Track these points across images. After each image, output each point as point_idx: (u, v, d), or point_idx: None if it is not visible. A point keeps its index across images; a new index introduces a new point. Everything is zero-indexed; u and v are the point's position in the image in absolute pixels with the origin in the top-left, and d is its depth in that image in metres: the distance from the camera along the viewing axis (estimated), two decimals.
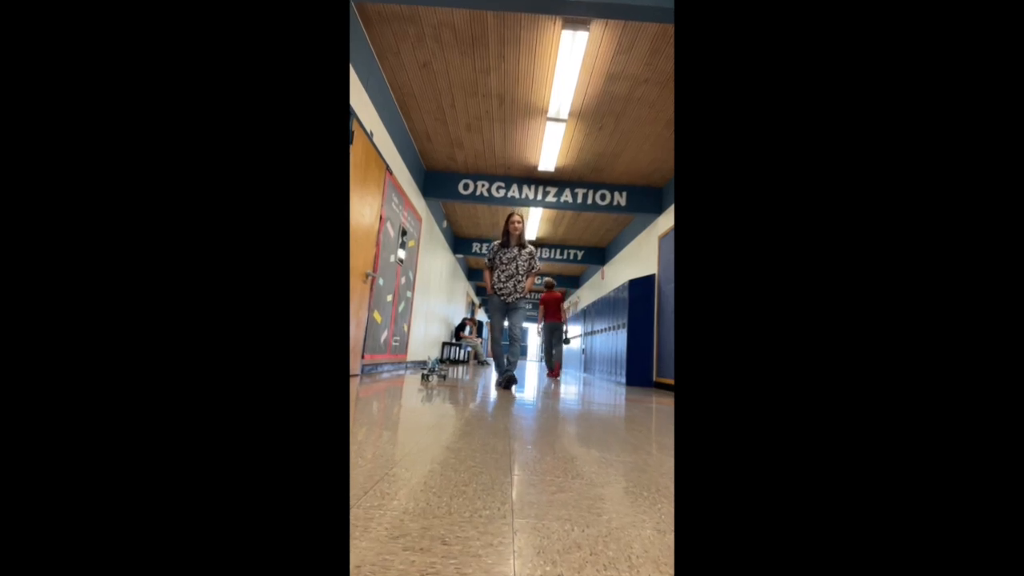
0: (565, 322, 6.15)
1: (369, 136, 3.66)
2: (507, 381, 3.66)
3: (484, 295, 16.19)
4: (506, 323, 3.89)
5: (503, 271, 3.79)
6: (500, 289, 3.78)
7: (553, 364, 6.02)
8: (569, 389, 4.23)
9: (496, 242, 3.88)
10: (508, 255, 3.77)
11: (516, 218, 3.78)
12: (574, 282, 11.91)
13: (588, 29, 3.15)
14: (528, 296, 3.70)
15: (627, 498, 0.93)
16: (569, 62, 3.50)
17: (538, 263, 3.84)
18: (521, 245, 3.81)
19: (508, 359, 3.79)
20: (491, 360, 14.82)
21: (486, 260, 3.89)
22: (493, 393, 3.20)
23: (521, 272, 3.78)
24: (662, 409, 2.95)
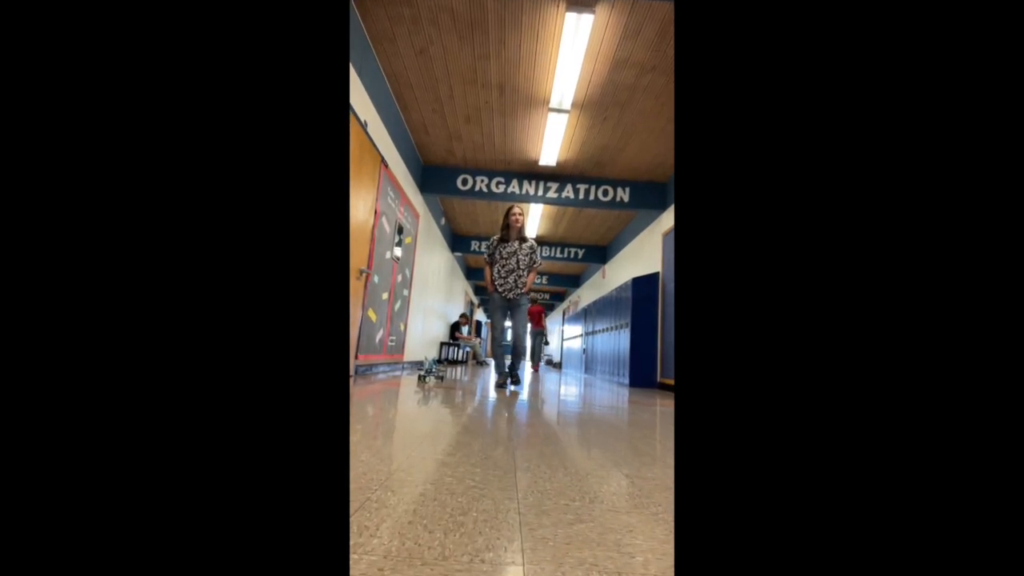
0: (545, 328, 8.84)
1: (363, 126, 3.49)
2: (507, 381, 3.55)
3: (485, 295, 15.98)
4: (508, 323, 3.73)
5: (503, 266, 3.63)
6: (500, 285, 3.63)
7: (536, 361, 8.32)
8: (570, 390, 4.07)
9: (495, 236, 3.69)
10: (508, 249, 3.62)
11: (516, 211, 3.61)
12: (574, 281, 11.75)
13: (593, 11, 2.99)
14: (530, 294, 3.59)
15: (660, 529, 0.77)
16: (573, 48, 3.34)
17: (539, 258, 3.67)
18: (522, 239, 3.64)
19: (512, 360, 3.62)
20: (491, 360, 14.59)
21: (485, 256, 3.71)
22: (492, 395, 3.03)
23: (522, 267, 3.62)
24: (671, 412, 2.79)
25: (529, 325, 7.79)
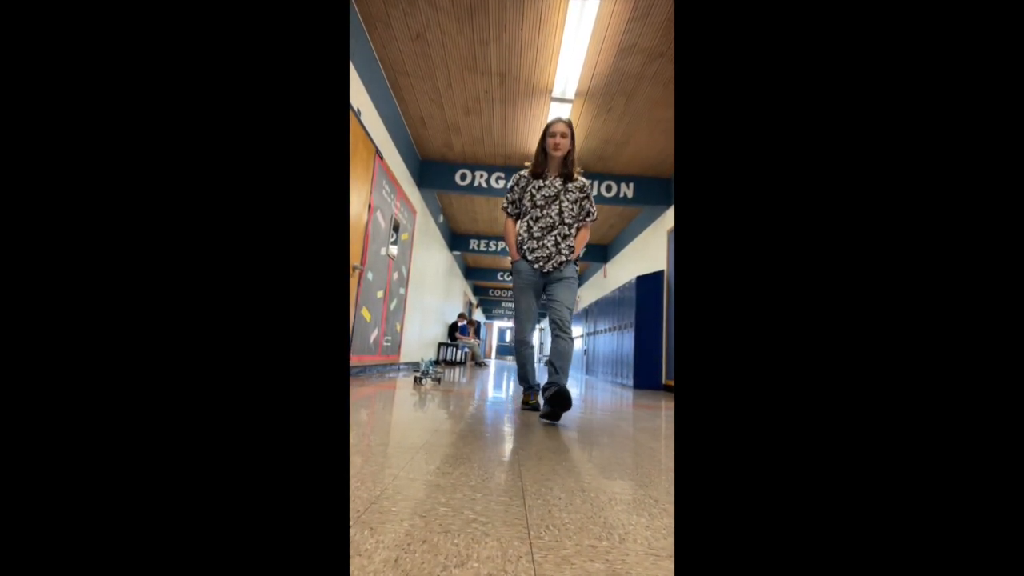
0: None
1: (356, 114, 3.31)
2: (555, 403, 1.88)
3: (486, 295, 15.49)
4: (537, 312, 2.27)
5: (535, 219, 2.15)
6: (532, 250, 2.15)
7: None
8: (572, 392, 3.89)
9: (522, 172, 2.22)
10: (546, 192, 2.15)
11: (559, 128, 2.09)
12: None
13: None
14: (577, 261, 2.27)
15: None
16: (578, 32, 3.16)
17: (595, 208, 2.24)
18: (567, 176, 2.16)
19: (553, 365, 2.04)
20: (489, 362, 13.99)
21: (505, 203, 2.26)
22: (491, 396, 2.84)
23: (568, 220, 2.15)
24: None
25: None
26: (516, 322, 2.25)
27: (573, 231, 2.18)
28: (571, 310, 2.14)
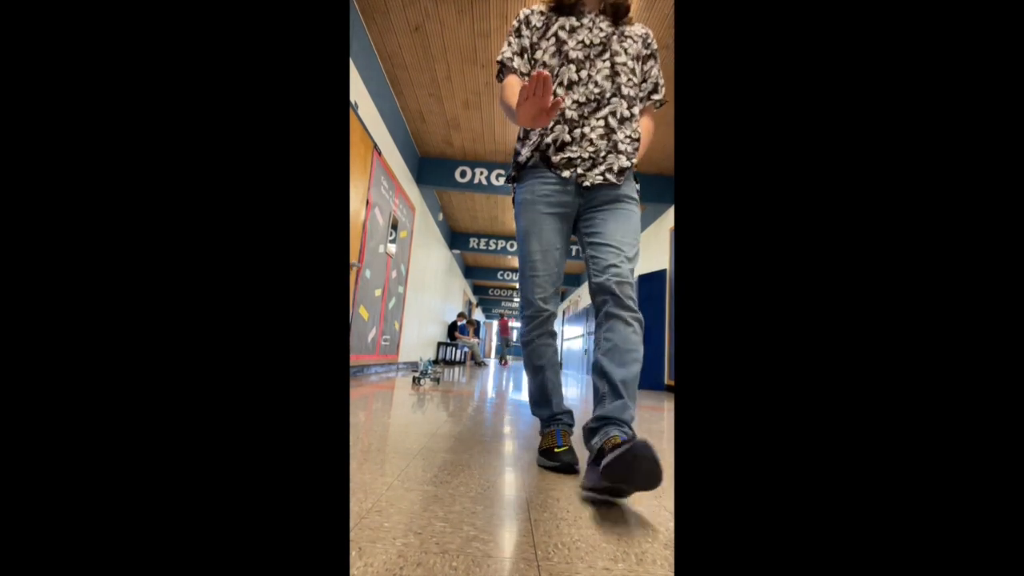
0: (511, 338, 11.06)
1: (353, 108, 3.23)
2: (621, 471, 0.77)
3: (486, 294, 15.14)
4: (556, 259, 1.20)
5: (571, 87, 1.09)
6: (564, 145, 1.09)
7: (504, 359, 10.75)
8: (572, 392, 3.81)
9: (534, 7, 1.16)
10: (586, 36, 1.10)
11: None
12: (575, 281, 11.49)
13: None
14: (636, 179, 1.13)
15: None
16: None
17: (662, 80, 1.20)
18: (618, 10, 1.12)
19: (607, 376, 1.01)
20: (489, 361, 13.56)
21: (506, 51, 1.14)
22: (491, 397, 2.76)
23: (628, 91, 1.09)
24: None
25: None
26: (524, 283, 1.16)
27: (632, 112, 1.10)
28: (634, 262, 1.08)
